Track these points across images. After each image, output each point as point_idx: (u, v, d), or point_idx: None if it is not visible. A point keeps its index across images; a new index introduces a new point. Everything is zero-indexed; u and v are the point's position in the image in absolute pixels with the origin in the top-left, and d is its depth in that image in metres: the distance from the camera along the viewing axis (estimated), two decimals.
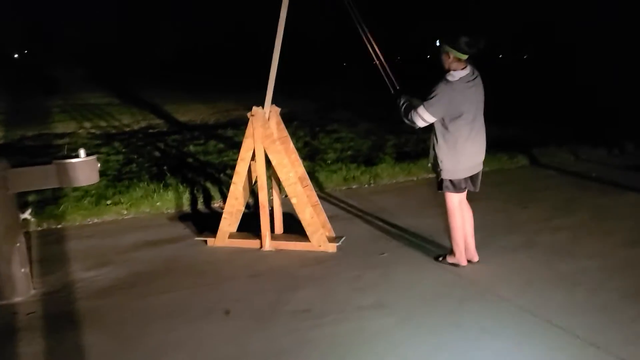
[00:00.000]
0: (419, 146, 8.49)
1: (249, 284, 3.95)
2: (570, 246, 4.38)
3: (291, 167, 4.55)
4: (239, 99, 16.55)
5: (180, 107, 16.39)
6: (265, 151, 4.50)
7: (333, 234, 4.74)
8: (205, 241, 4.81)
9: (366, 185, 6.68)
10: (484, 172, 4.09)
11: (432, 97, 3.69)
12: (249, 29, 37.12)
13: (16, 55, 55.39)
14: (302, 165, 4.79)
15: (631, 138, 8.33)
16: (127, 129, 12.27)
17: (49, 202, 5.87)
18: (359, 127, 10.58)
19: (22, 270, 3.78)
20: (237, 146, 8.71)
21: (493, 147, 8.00)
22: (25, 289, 3.81)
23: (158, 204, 5.97)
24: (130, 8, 45.21)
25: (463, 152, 3.81)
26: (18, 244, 3.75)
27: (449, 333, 3.12)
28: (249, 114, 4.47)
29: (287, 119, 5.39)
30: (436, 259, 4.19)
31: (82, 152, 3.80)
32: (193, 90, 20.84)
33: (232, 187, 4.69)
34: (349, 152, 8.12)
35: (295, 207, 4.55)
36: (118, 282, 4.05)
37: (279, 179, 4.65)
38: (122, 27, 44.38)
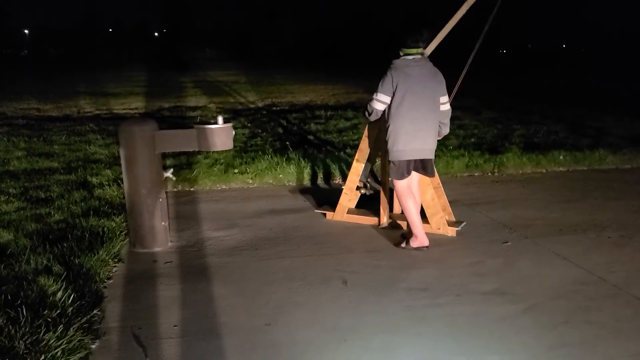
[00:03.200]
0: (550, 137, 8.02)
1: (366, 258, 4.00)
2: None
3: None
4: (358, 83, 16.69)
5: (302, 87, 16.88)
6: None
7: (453, 219, 4.64)
8: (324, 214, 4.94)
9: (489, 174, 6.44)
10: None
11: (380, 83, 3.94)
12: (373, 16, 36.93)
13: (156, 34, 59.99)
14: None
15: None
16: (252, 106, 12.89)
17: (183, 167, 6.37)
18: (482, 115, 10.21)
19: (163, 223, 4.15)
20: (356, 127, 8.80)
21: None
22: (164, 240, 4.18)
23: (280, 176, 6.22)
24: None
25: (403, 132, 3.90)
26: (160, 199, 4.11)
27: (579, 329, 2.94)
28: None
29: None
30: (397, 245, 4.16)
31: (220, 119, 4.06)
32: (314, 73, 21.30)
33: (354, 164, 4.75)
34: (472, 140, 7.87)
35: None
36: (243, 243, 4.30)
37: None
38: (250, 12, 46.26)
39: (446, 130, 4.21)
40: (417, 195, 4.21)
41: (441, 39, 4.30)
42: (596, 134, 8.42)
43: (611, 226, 4.58)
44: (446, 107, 4.05)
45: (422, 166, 4.08)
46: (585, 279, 3.58)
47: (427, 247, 4.09)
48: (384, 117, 4.06)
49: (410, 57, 3.92)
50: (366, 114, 4.14)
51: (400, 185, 4.09)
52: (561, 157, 6.73)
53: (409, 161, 4.01)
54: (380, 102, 3.96)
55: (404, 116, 3.90)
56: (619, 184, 5.89)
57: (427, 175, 4.17)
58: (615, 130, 8.66)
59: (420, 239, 4.10)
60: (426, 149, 3.99)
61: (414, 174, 4.13)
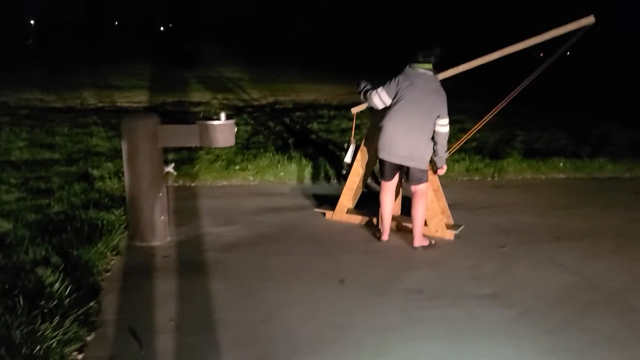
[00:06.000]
0: (551, 144, 8.04)
1: (364, 258, 4.02)
2: None
3: None
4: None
5: (306, 86, 16.87)
6: None
7: (452, 222, 4.66)
8: (324, 213, 4.96)
9: (489, 178, 6.46)
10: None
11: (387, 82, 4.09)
12: (382, 16, 36.77)
13: (162, 28, 59.99)
14: None
15: None
16: (256, 103, 12.89)
17: (185, 162, 6.38)
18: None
19: (162, 217, 4.17)
20: (358, 128, 8.79)
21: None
22: (163, 234, 4.20)
23: (281, 174, 6.24)
24: None
25: (385, 133, 4.04)
26: (161, 194, 4.13)
27: (572, 335, 2.96)
28: None
29: None
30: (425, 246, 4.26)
31: (222, 115, 4.06)
32: (319, 72, 21.31)
33: (354, 164, 4.76)
34: (474, 144, 7.87)
35: None
36: (242, 240, 4.32)
37: None
38: (260, 8, 46.28)
39: (441, 153, 4.10)
40: (415, 208, 4.20)
41: (462, 70, 4.30)
42: (597, 142, 8.42)
43: (608, 234, 4.60)
44: (444, 129, 4.03)
45: (406, 173, 4.20)
46: (580, 285, 3.60)
47: (381, 239, 4.35)
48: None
49: (421, 71, 3.97)
50: (362, 95, 4.24)
51: (382, 183, 4.30)
52: (561, 165, 6.75)
53: (387, 163, 4.14)
54: (379, 99, 4.08)
55: (390, 118, 4.03)
56: (618, 193, 5.91)
57: (409, 183, 4.20)
58: (616, 139, 8.67)
59: (383, 233, 4.37)
60: (402, 155, 4.04)
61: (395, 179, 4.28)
